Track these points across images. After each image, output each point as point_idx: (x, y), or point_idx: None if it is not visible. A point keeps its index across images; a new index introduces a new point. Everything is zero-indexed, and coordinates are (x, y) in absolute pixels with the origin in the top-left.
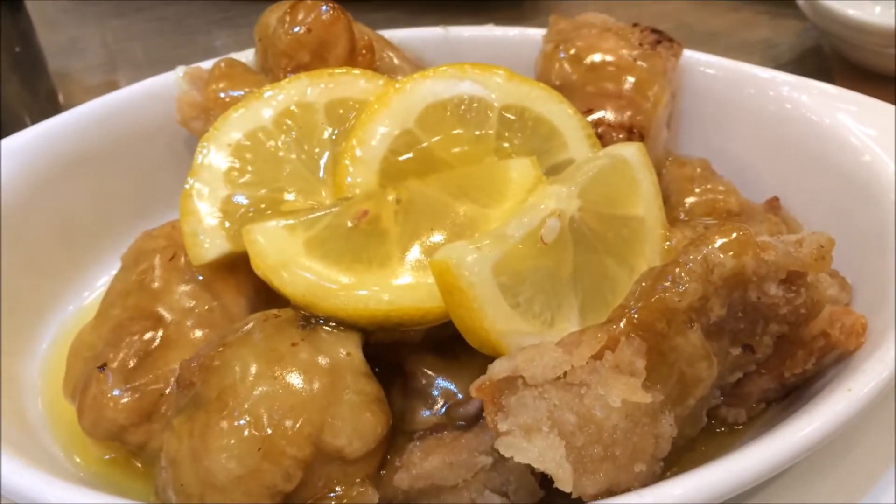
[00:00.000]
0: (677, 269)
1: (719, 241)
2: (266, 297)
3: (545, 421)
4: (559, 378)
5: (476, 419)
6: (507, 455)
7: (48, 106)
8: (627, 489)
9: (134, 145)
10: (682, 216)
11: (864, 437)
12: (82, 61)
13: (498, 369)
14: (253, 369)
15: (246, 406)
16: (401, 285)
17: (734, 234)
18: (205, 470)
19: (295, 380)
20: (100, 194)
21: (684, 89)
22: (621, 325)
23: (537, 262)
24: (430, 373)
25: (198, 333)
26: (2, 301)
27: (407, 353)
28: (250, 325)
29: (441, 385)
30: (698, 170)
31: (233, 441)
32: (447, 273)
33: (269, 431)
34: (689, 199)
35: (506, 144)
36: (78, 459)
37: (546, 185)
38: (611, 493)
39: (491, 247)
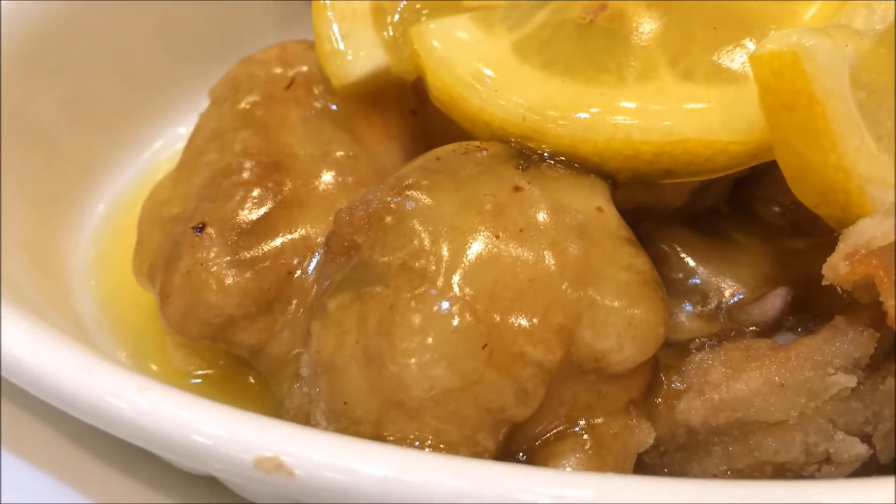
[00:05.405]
0: None
1: None
2: (428, 145)
3: None
4: None
5: (776, 325)
6: None
7: None
8: None
9: None
10: None
11: None
12: None
13: (873, 232)
14: (459, 224)
15: (455, 280)
16: (680, 109)
17: None
18: (390, 379)
19: (530, 243)
20: (166, 21)
21: None
22: None
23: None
24: (688, 258)
25: (334, 188)
26: (41, 161)
27: (654, 227)
28: (441, 159)
29: (708, 274)
30: None
31: (439, 334)
32: (793, 71)
33: (498, 319)
34: None
35: None
36: (154, 368)
37: None
38: None
39: (846, 42)
